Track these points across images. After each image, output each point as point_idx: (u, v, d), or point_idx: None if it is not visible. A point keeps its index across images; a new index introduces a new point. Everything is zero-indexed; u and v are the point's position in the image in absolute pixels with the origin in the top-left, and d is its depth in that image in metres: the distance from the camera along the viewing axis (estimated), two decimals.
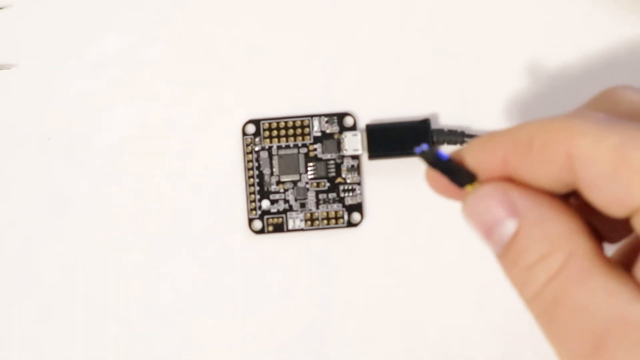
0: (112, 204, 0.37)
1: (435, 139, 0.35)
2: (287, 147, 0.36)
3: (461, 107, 0.36)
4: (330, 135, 0.36)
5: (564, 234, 0.23)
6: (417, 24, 0.37)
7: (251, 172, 0.36)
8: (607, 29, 0.36)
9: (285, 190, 0.36)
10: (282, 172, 0.36)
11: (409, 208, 0.36)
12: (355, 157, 0.36)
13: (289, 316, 0.36)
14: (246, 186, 0.36)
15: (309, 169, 0.36)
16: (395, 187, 0.36)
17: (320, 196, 0.36)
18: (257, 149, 0.36)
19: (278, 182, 0.36)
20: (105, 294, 0.36)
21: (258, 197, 0.36)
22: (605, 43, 0.36)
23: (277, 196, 0.36)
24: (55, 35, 0.37)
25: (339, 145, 0.36)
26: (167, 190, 0.37)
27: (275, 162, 0.36)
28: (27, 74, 0.37)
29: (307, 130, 0.36)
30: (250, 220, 0.36)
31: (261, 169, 0.36)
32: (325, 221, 0.36)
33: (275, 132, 0.36)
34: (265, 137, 0.36)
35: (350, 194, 0.36)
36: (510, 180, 0.24)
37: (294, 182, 0.36)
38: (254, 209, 0.36)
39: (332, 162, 0.36)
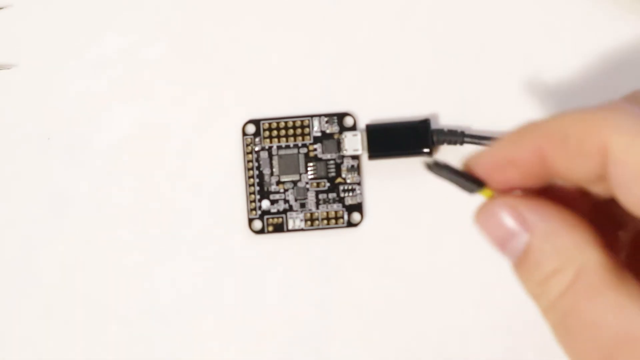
0: (112, 204, 0.37)
1: (435, 139, 0.35)
2: (287, 147, 0.36)
3: (461, 107, 0.36)
4: (330, 135, 0.36)
5: (574, 248, 0.23)
6: (417, 24, 0.37)
7: (251, 172, 0.36)
8: (607, 29, 0.36)
9: (285, 190, 0.36)
10: (282, 172, 0.36)
11: (409, 208, 0.36)
12: (355, 157, 0.36)
13: (289, 316, 0.36)
14: (246, 186, 0.36)
15: (309, 169, 0.36)
16: (395, 187, 0.36)
17: (320, 196, 0.36)
18: (257, 149, 0.36)
19: (278, 182, 0.36)
20: (105, 294, 0.36)
21: (258, 197, 0.36)
22: (605, 43, 0.36)
23: (277, 196, 0.36)
24: (55, 35, 0.37)
25: (339, 145, 0.36)
26: (167, 190, 0.37)
27: (275, 162, 0.36)
28: (27, 74, 0.37)
29: (307, 130, 0.36)
30: (250, 220, 0.36)
31: (261, 169, 0.36)
32: (325, 221, 0.36)
33: (275, 132, 0.36)
34: (265, 137, 0.36)
35: (350, 194, 0.36)
36: (525, 189, 0.24)
37: (294, 182, 0.36)
38: (254, 209, 0.36)
39: (332, 162, 0.36)
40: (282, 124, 0.36)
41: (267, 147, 0.36)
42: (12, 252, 0.37)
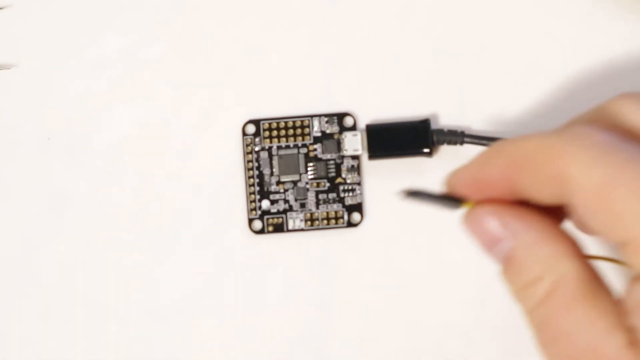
0: (112, 204, 0.37)
1: (435, 139, 0.35)
2: (287, 147, 0.36)
3: (461, 107, 0.36)
4: (330, 135, 0.36)
5: (553, 259, 0.24)
6: (417, 24, 0.37)
7: (251, 172, 0.36)
8: (607, 29, 0.36)
9: (285, 191, 0.36)
10: (282, 172, 0.36)
11: (409, 208, 0.36)
12: (355, 157, 0.36)
13: (289, 316, 0.36)
14: (246, 186, 0.36)
15: (309, 169, 0.36)
16: (395, 187, 0.36)
17: (320, 196, 0.36)
18: (257, 149, 0.36)
19: (278, 182, 0.36)
20: (105, 294, 0.36)
21: (258, 197, 0.36)
22: (605, 43, 0.36)
23: (277, 196, 0.36)
24: (55, 35, 0.37)
25: (339, 145, 0.36)
26: (167, 190, 0.37)
27: (275, 162, 0.36)
28: (27, 74, 0.37)
29: (307, 130, 0.36)
30: (250, 220, 0.36)
31: (261, 169, 0.36)
32: (325, 221, 0.36)
33: (275, 132, 0.36)
34: (265, 137, 0.36)
35: (350, 194, 0.36)
36: (506, 201, 0.25)
37: (294, 182, 0.36)
38: (254, 209, 0.36)
39: (332, 162, 0.36)
40: (282, 124, 0.36)
41: (267, 147, 0.36)
42: (12, 252, 0.37)
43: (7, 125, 0.37)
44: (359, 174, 0.36)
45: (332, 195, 0.36)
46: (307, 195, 0.36)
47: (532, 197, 0.24)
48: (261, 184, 0.36)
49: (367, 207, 0.36)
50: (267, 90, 0.37)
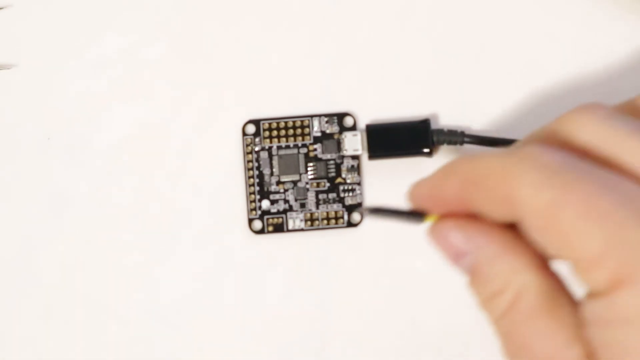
0: (112, 204, 0.37)
1: (435, 139, 0.35)
2: (287, 147, 0.36)
3: (461, 107, 0.36)
4: (330, 135, 0.36)
5: (513, 272, 0.24)
6: (417, 24, 0.37)
7: (251, 172, 0.36)
8: (607, 29, 0.36)
9: (285, 191, 0.36)
10: (282, 172, 0.36)
11: (408, 208, 0.36)
12: (355, 157, 0.36)
13: (289, 316, 0.36)
14: (246, 186, 0.36)
15: (309, 169, 0.36)
16: (395, 187, 0.36)
17: (320, 196, 0.36)
18: (257, 149, 0.36)
19: (278, 182, 0.36)
20: (105, 294, 0.36)
21: (258, 197, 0.36)
22: (605, 43, 0.36)
23: (277, 196, 0.36)
24: (55, 35, 0.37)
25: (339, 145, 0.36)
26: (167, 190, 0.37)
27: (275, 162, 0.36)
28: (27, 74, 0.37)
29: (307, 130, 0.36)
30: (250, 220, 0.36)
31: (261, 169, 0.36)
32: (325, 221, 0.36)
33: (275, 132, 0.36)
34: (265, 137, 0.36)
35: (350, 194, 0.36)
36: (470, 215, 0.25)
37: (294, 182, 0.36)
38: (254, 209, 0.36)
39: (332, 162, 0.36)
40: (282, 124, 0.36)
41: (267, 147, 0.36)
42: (12, 252, 0.37)
43: (7, 125, 0.37)
44: (359, 174, 0.36)
45: (332, 195, 0.36)
46: (307, 195, 0.36)
47: (487, 215, 0.24)
48: (261, 184, 0.36)
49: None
50: (267, 90, 0.37)
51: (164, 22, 0.37)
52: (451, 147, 0.36)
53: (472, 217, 0.25)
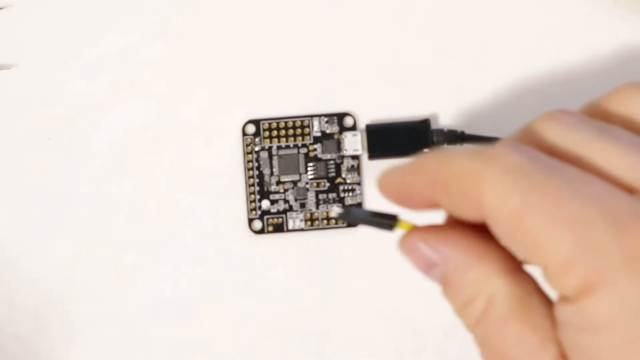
0: (111, 203, 0.37)
1: (435, 139, 0.35)
2: (287, 147, 0.36)
3: (461, 107, 0.36)
4: (330, 135, 0.36)
5: (483, 280, 0.24)
6: (417, 24, 0.37)
7: (251, 172, 0.36)
8: (607, 29, 0.36)
9: (285, 191, 0.36)
10: (282, 172, 0.36)
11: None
12: (355, 157, 0.36)
13: (288, 316, 0.36)
14: (246, 186, 0.36)
15: (309, 169, 0.36)
16: None
17: (320, 196, 0.36)
18: (257, 149, 0.36)
19: (278, 182, 0.36)
20: (105, 293, 0.36)
21: (258, 197, 0.36)
22: (605, 43, 0.36)
23: (277, 196, 0.36)
24: (55, 35, 0.37)
25: (339, 145, 0.36)
26: (167, 191, 0.37)
27: (275, 162, 0.36)
28: (27, 74, 0.37)
29: (307, 130, 0.36)
30: (250, 220, 0.36)
31: (261, 169, 0.36)
32: (325, 221, 0.36)
33: (275, 132, 0.36)
34: (265, 137, 0.36)
35: (350, 194, 0.36)
36: (438, 226, 0.25)
37: (294, 182, 0.36)
38: (254, 209, 0.36)
39: (332, 162, 0.36)
40: (282, 124, 0.36)
41: (267, 147, 0.36)
42: (12, 252, 0.37)
43: (7, 125, 0.37)
44: (359, 174, 0.36)
45: (332, 195, 0.36)
46: (307, 195, 0.36)
47: (456, 215, 0.24)
48: (261, 184, 0.36)
49: (367, 207, 0.36)
50: (267, 90, 0.37)
51: (164, 22, 0.37)
52: (451, 147, 0.36)
53: (441, 227, 0.25)
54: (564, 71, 0.36)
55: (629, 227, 0.21)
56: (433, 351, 0.36)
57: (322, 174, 0.36)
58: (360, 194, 0.36)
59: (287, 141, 0.36)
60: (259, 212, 0.36)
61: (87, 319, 0.36)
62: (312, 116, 0.36)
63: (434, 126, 0.36)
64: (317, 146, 0.36)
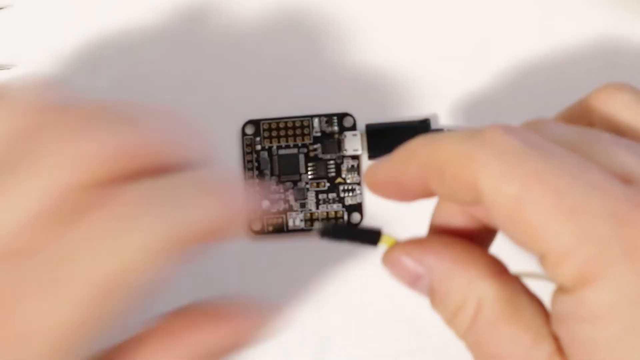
0: None
1: None
2: (287, 147, 0.36)
3: (461, 107, 0.36)
4: (330, 135, 0.36)
5: (470, 285, 0.24)
6: (416, 24, 0.37)
7: (251, 172, 0.36)
8: (607, 29, 0.36)
9: (285, 191, 0.36)
10: (282, 172, 0.36)
11: (408, 208, 0.36)
12: (355, 157, 0.36)
13: (288, 316, 0.36)
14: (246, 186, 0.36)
15: (309, 169, 0.36)
16: None
17: (320, 196, 0.36)
18: (257, 149, 0.36)
19: (278, 182, 0.36)
20: None
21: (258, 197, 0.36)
22: (604, 43, 0.36)
23: (277, 196, 0.36)
24: (55, 35, 0.37)
25: (339, 145, 0.36)
26: None
27: (275, 162, 0.36)
28: (27, 74, 0.37)
29: (307, 130, 0.36)
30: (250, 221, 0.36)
31: (261, 169, 0.36)
32: (325, 221, 0.36)
33: (275, 132, 0.36)
34: (265, 137, 0.36)
35: (350, 194, 0.36)
36: (418, 240, 0.25)
37: (294, 182, 0.36)
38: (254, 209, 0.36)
39: (332, 162, 0.36)
40: (282, 124, 0.36)
41: (267, 147, 0.36)
42: None
43: None
44: (359, 174, 0.36)
45: (332, 195, 0.36)
46: (307, 195, 0.36)
47: (449, 199, 0.24)
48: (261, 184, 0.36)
49: (367, 207, 0.36)
50: (267, 90, 0.37)
51: (164, 22, 0.37)
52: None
53: (423, 240, 0.25)
54: (564, 71, 0.36)
55: (628, 216, 0.21)
56: (433, 351, 0.36)
57: (322, 174, 0.36)
58: (360, 194, 0.36)
59: (287, 141, 0.36)
60: (259, 212, 0.36)
61: None
62: (312, 116, 0.36)
63: (434, 126, 0.36)
64: (317, 146, 0.36)
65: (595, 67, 0.36)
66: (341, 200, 0.36)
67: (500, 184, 0.22)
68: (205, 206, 0.23)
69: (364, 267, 0.36)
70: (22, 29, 0.37)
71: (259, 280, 0.36)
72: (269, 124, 0.36)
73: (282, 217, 0.36)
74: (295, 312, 0.36)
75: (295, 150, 0.36)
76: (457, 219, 0.26)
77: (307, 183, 0.36)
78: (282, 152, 0.36)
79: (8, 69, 0.37)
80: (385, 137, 0.36)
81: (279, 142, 0.36)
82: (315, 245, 0.36)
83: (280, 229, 0.36)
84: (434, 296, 0.25)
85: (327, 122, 0.36)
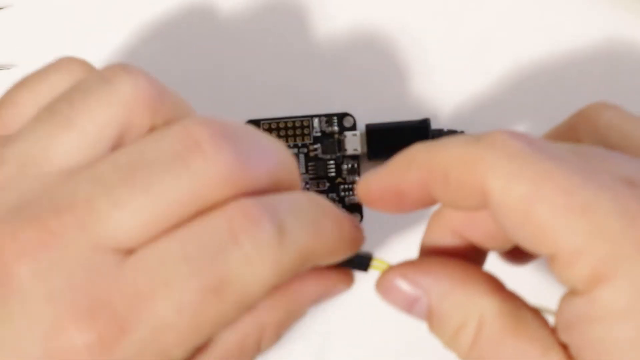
0: None
1: (435, 139, 0.35)
2: (287, 147, 0.36)
3: (461, 107, 0.36)
4: (330, 135, 0.36)
5: (470, 302, 0.24)
6: (416, 24, 0.37)
7: None
8: (608, 28, 0.36)
9: None
10: None
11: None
12: (355, 157, 0.36)
13: None
14: None
15: (309, 169, 0.36)
16: None
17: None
18: None
19: None
20: None
21: None
22: (605, 44, 0.36)
23: None
24: (55, 35, 0.37)
25: (339, 145, 0.36)
26: None
27: None
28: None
29: (307, 130, 0.36)
30: None
31: None
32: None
33: (275, 132, 0.36)
34: None
35: (350, 193, 0.36)
36: (410, 262, 0.25)
37: None
38: None
39: (332, 162, 0.36)
40: (282, 124, 0.36)
41: None
42: None
43: None
44: (359, 174, 0.36)
45: (332, 195, 0.36)
46: None
47: (452, 206, 0.24)
48: None
49: (367, 207, 0.36)
50: (267, 90, 0.37)
51: (163, 22, 0.37)
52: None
53: (416, 261, 0.25)
54: (565, 71, 0.36)
55: (638, 216, 0.21)
56: (433, 351, 0.36)
57: (322, 173, 0.36)
58: None
59: (287, 141, 0.36)
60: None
61: None
62: (312, 116, 0.36)
63: (434, 126, 0.36)
64: (317, 146, 0.36)
65: (596, 68, 0.36)
66: (341, 200, 0.36)
67: (509, 184, 0.22)
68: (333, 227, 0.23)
69: None
70: (22, 29, 0.37)
71: None
72: (269, 124, 0.36)
73: None
74: None
75: (295, 150, 0.36)
76: (448, 240, 0.25)
77: (307, 183, 0.36)
78: None
79: (8, 69, 0.37)
80: (385, 137, 0.36)
81: None
82: None
83: None
84: (433, 318, 0.24)
85: (327, 122, 0.36)
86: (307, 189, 0.36)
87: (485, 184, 0.22)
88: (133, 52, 0.37)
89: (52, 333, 0.20)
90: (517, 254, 0.26)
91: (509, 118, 0.36)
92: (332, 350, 0.36)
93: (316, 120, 0.36)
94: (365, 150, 0.36)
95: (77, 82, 0.24)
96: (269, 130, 0.36)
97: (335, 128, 0.36)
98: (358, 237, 0.25)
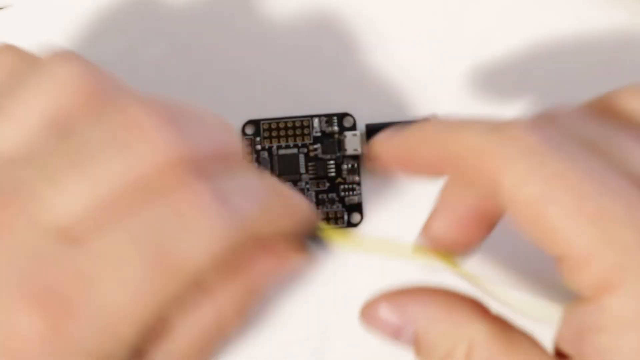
0: None
1: None
2: (287, 147, 0.36)
3: (461, 107, 0.36)
4: (330, 135, 0.36)
5: (459, 327, 0.24)
6: (416, 24, 0.37)
7: None
8: (607, 28, 0.36)
9: None
10: (282, 172, 0.36)
11: (408, 208, 0.36)
12: (355, 157, 0.36)
13: (288, 316, 0.36)
14: None
15: (309, 169, 0.36)
16: (395, 187, 0.36)
17: (320, 196, 0.36)
18: (257, 149, 0.36)
19: None
20: None
21: None
22: (606, 41, 0.36)
23: None
24: (55, 36, 0.37)
25: (339, 145, 0.36)
26: None
27: (275, 162, 0.36)
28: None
29: (307, 130, 0.36)
30: None
31: (261, 169, 0.36)
32: (325, 221, 0.36)
33: (275, 132, 0.36)
34: (265, 137, 0.36)
35: (350, 193, 0.36)
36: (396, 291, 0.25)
37: (294, 182, 0.36)
38: None
39: (332, 162, 0.36)
40: (282, 124, 0.36)
41: (267, 147, 0.36)
42: None
43: None
44: (359, 174, 0.36)
45: (332, 195, 0.36)
46: (307, 195, 0.36)
47: (464, 185, 0.24)
48: None
49: (367, 207, 0.36)
50: (267, 90, 0.37)
51: (163, 23, 0.37)
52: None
53: (401, 290, 0.25)
54: (566, 71, 0.36)
55: None
56: None
57: (322, 173, 0.36)
58: (360, 194, 0.36)
59: (287, 141, 0.36)
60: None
61: None
62: (312, 116, 0.36)
63: None
64: (317, 146, 0.36)
65: (597, 65, 0.36)
66: (341, 200, 0.36)
67: (523, 182, 0.22)
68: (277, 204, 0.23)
69: (365, 266, 0.36)
70: (22, 29, 0.37)
71: None
72: (269, 124, 0.36)
73: None
74: (296, 311, 0.36)
75: (295, 150, 0.36)
76: (467, 199, 0.25)
77: (307, 183, 0.36)
78: (282, 152, 0.36)
79: None
80: None
81: (279, 142, 0.36)
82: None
83: None
84: (420, 346, 0.24)
85: (327, 122, 0.36)
86: (307, 189, 0.36)
87: (499, 178, 0.22)
88: (133, 52, 0.37)
89: (1, 321, 0.20)
90: None
91: (510, 117, 0.36)
92: (332, 350, 0.36)
93: (316, 120, 0.36)
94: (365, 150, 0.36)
95: (11, 69, 0.23)
96: (269, 130, 0.36)
97: (335, 128, 0.36)
98: (301, 206, 0.24)
